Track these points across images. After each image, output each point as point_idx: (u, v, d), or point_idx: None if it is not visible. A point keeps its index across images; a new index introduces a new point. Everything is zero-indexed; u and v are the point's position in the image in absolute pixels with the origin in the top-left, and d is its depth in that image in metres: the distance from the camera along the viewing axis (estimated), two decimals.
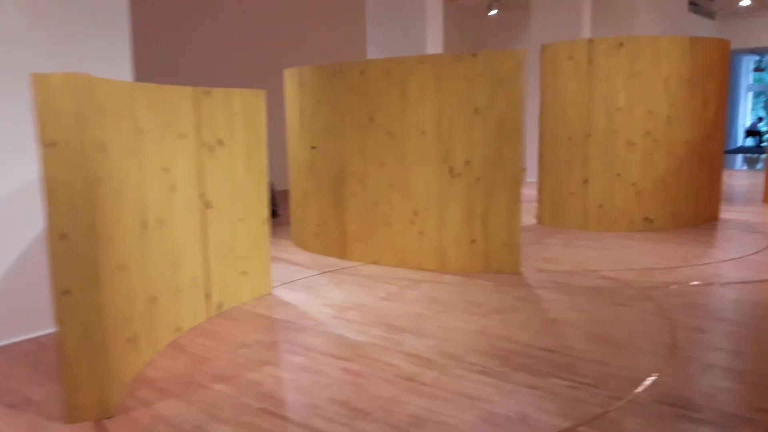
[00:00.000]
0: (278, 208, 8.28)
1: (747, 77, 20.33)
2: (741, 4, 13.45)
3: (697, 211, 6.80)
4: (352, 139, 5.35)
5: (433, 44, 7.37)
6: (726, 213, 7.43)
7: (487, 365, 3.22)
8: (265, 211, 4.40)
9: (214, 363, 3.32)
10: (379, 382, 3.05)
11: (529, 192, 8.97)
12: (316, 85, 5.59)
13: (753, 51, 17.99)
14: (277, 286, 4.73)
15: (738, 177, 11.56)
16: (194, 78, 8.50)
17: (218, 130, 4.03)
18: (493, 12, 12.96)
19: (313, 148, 5.71)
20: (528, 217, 7.37)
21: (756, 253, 5.48)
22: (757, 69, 19.42)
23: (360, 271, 5.16)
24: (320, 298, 4.42)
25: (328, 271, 5.19)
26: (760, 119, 20.48)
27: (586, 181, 6.65)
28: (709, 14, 16.40)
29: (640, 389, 2.92)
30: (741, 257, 5.35)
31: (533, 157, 9.75)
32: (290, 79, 5.97)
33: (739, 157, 16.52)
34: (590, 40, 6.49)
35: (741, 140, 20.03)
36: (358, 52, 9.63)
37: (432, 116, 4.96)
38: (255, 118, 4.30)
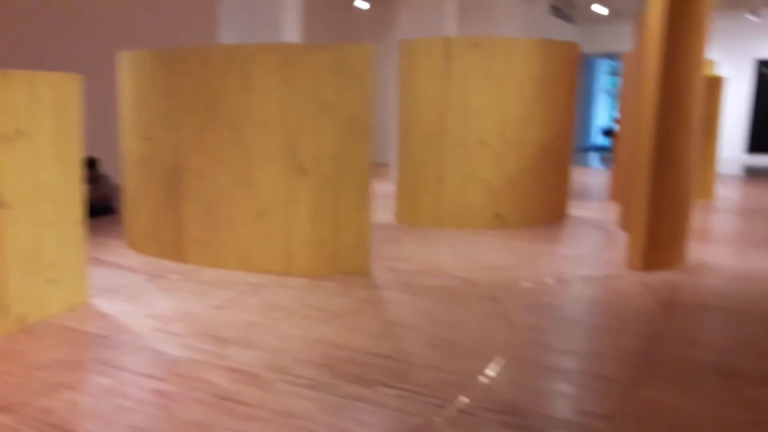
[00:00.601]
0: (116, 204, 7.61)
1: (603, 80, 21.76)
2: (595, 10, 14.26)
3: (547, 208, 7.02)
4: (189, 131, 4.94)
5: (290, 32, 7.07)
6: (576, 210, 7.75)
7: (315, 377, 2.99)
8: (77, 210, 3.90)
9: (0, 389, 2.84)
10: (192, 404, 2.73)
11: (392, 188, 8.91)
12: (150, 70, 5.10)
13: (606, 55, 19.24)
14: (97, 295, 4.23)
15: (593, 174, 12.25)
16: (20, 63, 7.61)
17: (17, 118, 3.49)
18: (363, 4, 12.82)
19: (147, 139, 5.22)
20: (387, 214, 7.27)
21: (595, 250, 5.69)
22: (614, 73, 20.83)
23: (198, 276, 4.77)
24: (144, 308, 3.99)
25: (160, 277, 4.75)
26: (616, 120, 21.96)
27: (441, 179, 6.64)
28: (570, 19, 17.33)
29: (469, 396, 2.81)
30: (582, 254, 5.54)
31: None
32: (123, 63, 5.42)
33: (596, 155, 17.60)
34: (447, 39, 6.48)
35: (598, 139, 21.40)
36: (210, 37, 9.01)
37: (278, 110, 4.66)
38: (67, 106, 3.79)
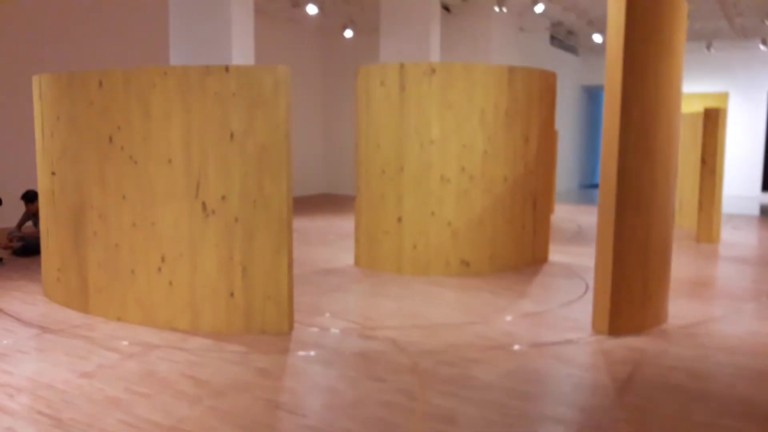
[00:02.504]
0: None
1: None
2: (596, 41, 13.65)
3: (518, 253, 6.30)
4: (91, 164, 4.36)
5: (242, 54, 6.55)
6: (560, 255, 7.02)
7: None
8: None
9: None
10: None
11: None
12: (54, 97, 4.56)
13: None
14: None
15: (594, 213, 11.48)
16: None
17: None
18: (348, 33, 12.37)
19: (52, 173, 4.66)
20: (350, 256, 6.61)
21: (562, 306, 4.95)
22: None
23: (92, 332, 4.13)
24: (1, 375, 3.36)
25: (53, 332, 4.13)
26: None
27: (400, 219, 5.98)
28: (572, 50, 16.72)
29: None
30: (545, 311, 4.80)
31: None
32: (35, 88, 4.90)
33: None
34: (402, 65, 5.88)
35: None
36: (161, 59, 8.47)
37: (179, 140, 4.07)
38: None
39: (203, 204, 4.05)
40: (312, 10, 10.99)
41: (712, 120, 7.99)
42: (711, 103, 15.19)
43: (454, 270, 5.98)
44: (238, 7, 6.49)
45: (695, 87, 15.50)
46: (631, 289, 4.20)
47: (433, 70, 5.80)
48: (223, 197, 4.02)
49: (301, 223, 9.24)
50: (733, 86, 15.28)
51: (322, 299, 5.00)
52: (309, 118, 13.69)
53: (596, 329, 4.25)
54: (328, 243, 7.68)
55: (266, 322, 4.10)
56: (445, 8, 12.06)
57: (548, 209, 6.67)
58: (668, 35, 4.23)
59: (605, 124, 4.16)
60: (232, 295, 4.10)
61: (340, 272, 6.04)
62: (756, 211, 12.34)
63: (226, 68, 3.96)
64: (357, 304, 4.96)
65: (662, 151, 4.23)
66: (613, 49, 4.08)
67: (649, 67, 4.12)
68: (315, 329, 4.24)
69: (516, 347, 3.94)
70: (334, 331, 4.23)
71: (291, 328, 4.16)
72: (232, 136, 3.98)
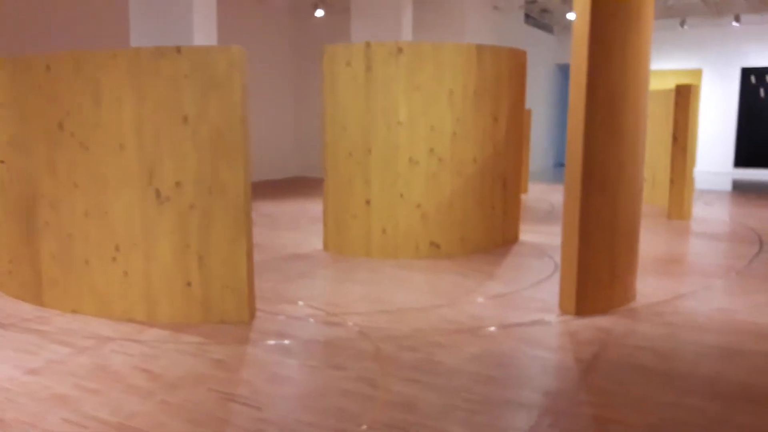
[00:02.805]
0: None
1: None
2: (571, 19, 13.55)
3: (489, 234, 6.23)
4: (40, 152, 4.18)
5: (204, 36, 6.35)
6: (532, 235, 6.97)
7: None
8: None
9: None
10: None
11: None
12: (1, 81, 4.36)
13: None
14: None
15: None
16: None
17: None
18: (320, 13, 12.14)
19: (1, 162, 4.47)
20: (318, 241, 6.50)
21: (530, 286, 4.90)
22: None
23: (45, 326, 3.98)
24: None
25: (4, 326, 3.97)
26: None
27: (368, 202, 5.87)
28: (548, 29, 16.62)
29: None
30: (514, 291, 4.75)
31: None
32: None
33: None
34: (368, 44, 5.73)
35: None
36: (122, 40, 8.17)
37: (131, 125, 3.90)
38: None
39: (157, 191, 3.91)
40: None
41: (684, 96, 7.96)
42: (684, 80, 15.21)
43: (424, 253, 5.90)
44: None
45: (669, 64, 15.51)
46: (598, 268, 4.14)
47: (400, 50, 5.66)
48: (178, 184, 3.88)
49: (272, 208, 9.09)
50: (706, 63, 15.31)
51: (288, 286, 4.89)
52: (280, 100, 13.46)
53: (563, 309, 4.19)
54: (299, 227, 7.55)
55: (225, 312, 3.98)
56: None
57: (518, 189, 6.60)
58: (636, 11, 4.14)
59: (571, 103, 4.07)
60: (189, 284, 3.97)
61: (308, 257, 5.93)
62: (728, 187, 12.42)
63: (178, 49, 3.80)
64: (323, 289, 4.86)
65: (629, 129, 4.16)
66: (579, 25, 3.98)
67: (616, 43, 4.03)
68: (278, 317, 4.13)
69: (483, 330, 3.87)
70: (297, 318, 4.13)
71: (252, 316, 4.05)
72: (185, 120, 3.83)
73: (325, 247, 6.24)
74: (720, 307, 4.37)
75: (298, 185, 12.27)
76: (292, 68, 13.79)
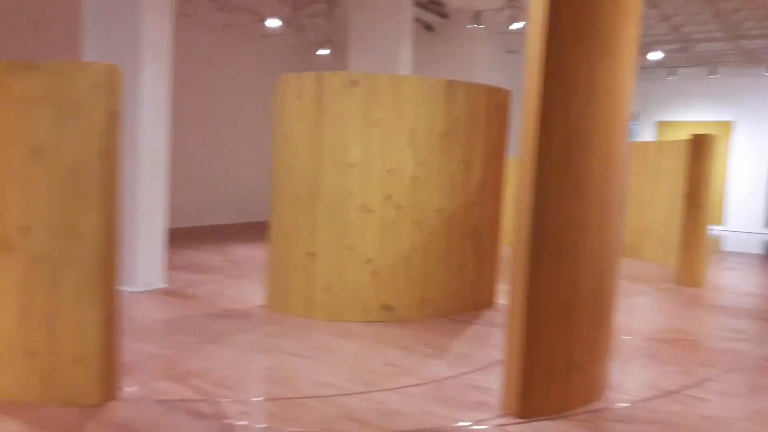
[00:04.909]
0: None
1: None
2: None
3: (455, 296, 5.37)
4: None
5: (153, 50, 5.77)
6: None
7: None
8: None
9: None
10: None
11: None
12: None
13: None
14: None
15: None
16: None
17: None
18: (324, 51, 11.63)
19: None
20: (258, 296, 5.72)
21: (481, 368, 4.01)
22: None
23: None
24: None
25: None
26: None
27: (313, 254, 5.09)
28: None
29: None
30: (457, 375, 3.86)
31: None
32: None
33: None
34: (319, 75, 5.04)
35: None
36: (73, 53, 7.60)
37: None
38: None
39: (1, 237, 3.20)
40: (274, 23, 10.32)
41: (700, 147, 7.06)
42: (712, 132, 14.21)
43: (374, 316, 5.06)
44: (151, 12, 5.73)
45: (697, 115, 14.57)
46: (550, 356, 3.26)
47: (356, 82, 4.96)
48: (25, 229, 3.17)
49: (244, 251, 8.39)
50: (738, 115, 14.30)
51: (190, 354, 4.10)
52: (264, 139, 12.89)
53: (506, 409, 3.30)
54: (256, 276, 6.80)
55: (74, 391, 3.20)
56: (427, 27, 11.30)
57: (496, 245, 5.75)
58: (610, 36, 3.35)
59: (521, 144, 3.27)
60: (32, 353, 3.21)
61: (241, 316, 5.14)
62: (758, 250, 11.30)
63: (34, 65, 3.14)
64: (228, 361, 4.03)
65: (596, 181, 3.32)
66: (532, 48, 3.21)
67: (580, 75, 3.23)
68: (141, 402, 3.33)
69: None
70: (166, 403, 3.32)
71: (109, 398, 3.26)
72: (39, 150, 3.14)
73: (267, 303, 5.46)
74: (710, 414, 3.41)
75: None
76: None
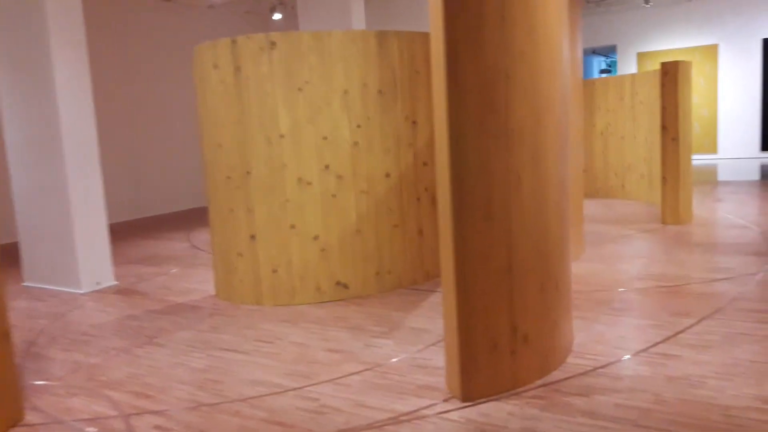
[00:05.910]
0: None
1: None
2: None
3: (415, 265, 4.99)
4: None
5: (70, 44, 5.30)
6: None
7: None
8: None
9: None
10: None
11: None
12: None
13: (594, 51, 17.01)
14: None
15: None
16: None
17: None
18: (278, 16, 11.07)
19: None
20: (211, 286, 5.37)
21: (432, 345, 3.65)
22: (604, 71, 18.46)
23: None
24: None
25: None
26: None
27: (253, 236, 4.71)
28: None
29: None
30: (405, 357, 3.51)
31: None
32: None
33: None
34: (234, 40, 4.58)
35: None
36: None
37: None
38: None
39: None
40: None
41: (671, 76, 6.59)
42: (698, 58, 13.64)
43: (330, 295, 4.70)
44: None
45: (680, 42, 13.96)
46: (493, 330, 2.89)
47: (273, 44, 4.50)
48: None
49: (204, 237, 8.03)
50: (722, 38, 13.68)
51: (114, 362, 3.75)
52: None
53: (451, 391, 2.96)
54: None
55: None
56: None
57: None
58: None
59: (434, 96, 2.85)
60: None
61: (189, 309, 4.80)
62: (755, 176, 10.86)
63: None
64: (154, 367, 3.66)
65: (525, 129, 2.90)
66: None
67: (493, 11, 2.79)
68: (47, 425, 3.00)
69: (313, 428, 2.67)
70: (67, 427, 2.98)
71: (7, 425, 2.92)
72: None
73: (217, 292, 5.11)
74: (677, 374, 3.05)
75: None
76: None
